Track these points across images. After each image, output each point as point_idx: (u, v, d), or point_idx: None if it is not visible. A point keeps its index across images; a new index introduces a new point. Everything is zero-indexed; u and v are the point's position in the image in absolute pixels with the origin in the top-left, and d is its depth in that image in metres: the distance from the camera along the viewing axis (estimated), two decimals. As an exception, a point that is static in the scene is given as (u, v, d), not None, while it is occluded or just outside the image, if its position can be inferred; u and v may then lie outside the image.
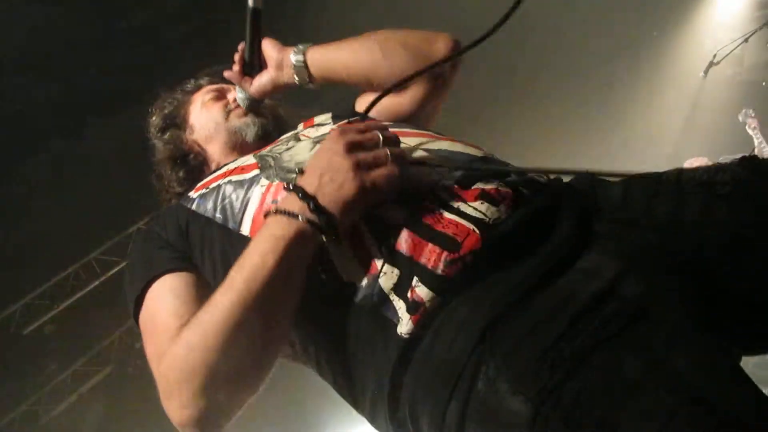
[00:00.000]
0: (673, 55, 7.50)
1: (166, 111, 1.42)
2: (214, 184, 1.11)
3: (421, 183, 0.90)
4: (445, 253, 0.80)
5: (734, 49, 5.89)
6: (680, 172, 0.86)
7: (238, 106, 1.34)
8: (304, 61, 1.21)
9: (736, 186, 0.80)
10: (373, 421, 0.89)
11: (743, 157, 0.85)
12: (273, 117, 1.37)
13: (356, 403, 0.92)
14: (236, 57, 1.27)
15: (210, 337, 0.81)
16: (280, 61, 1.23)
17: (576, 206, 0.85)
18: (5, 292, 5.45)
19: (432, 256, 0.80)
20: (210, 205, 1.06)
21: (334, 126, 1.06)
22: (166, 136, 1.38)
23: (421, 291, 0.79)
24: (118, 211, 5.96)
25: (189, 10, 4.91)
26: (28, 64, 4.41)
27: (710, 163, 5.51)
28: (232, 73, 1.28)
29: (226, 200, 1.04)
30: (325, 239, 0.84)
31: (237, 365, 0.82)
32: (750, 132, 5.22)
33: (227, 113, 1.34)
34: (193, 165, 1.34)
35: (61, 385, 5.83)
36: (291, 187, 0.87)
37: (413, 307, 0.79)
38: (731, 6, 7.08)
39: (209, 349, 0.81)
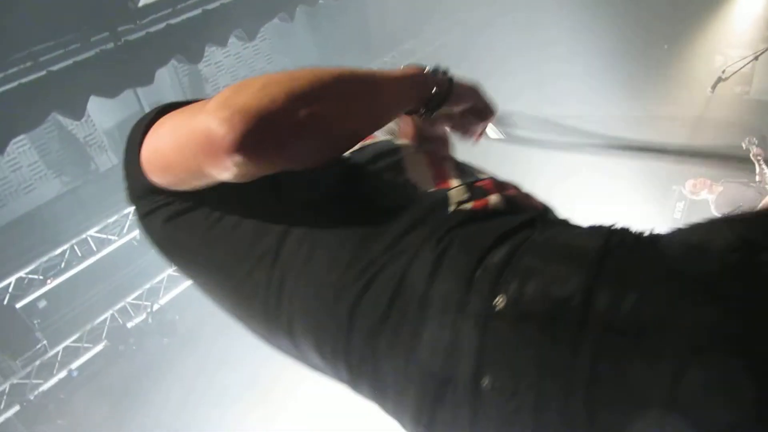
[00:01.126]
0: (682, 69, 7.48)
1: None
2: None
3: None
4: (522, 194, 0.92)
5: (743, 66, 5.87)
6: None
7: None
8: None
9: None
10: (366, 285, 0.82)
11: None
12: None
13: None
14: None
15: (302, 83, 0.77)
16: None
17: None
18: (-1, 265, 5.46)
19: (510, 190, 0.91)
20: None
21: None
22: None
23: (490, 198, 0.86)
24: (117, 190, 5.97)
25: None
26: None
27: (712, 184, 5.52)
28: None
29: None
30: (432, 100, 0.95)
31: (305, 119, 0.76)
32: (753, 159, 5.20)
33: None
34: None
35: (52, 361, 5.86)
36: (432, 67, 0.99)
37: (477, 198, 0.85)
38: (743, 23, 7.05)
39: (296, 88, 0.76)
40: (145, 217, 0.94)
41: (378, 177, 0.92)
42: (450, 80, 0.97)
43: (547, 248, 0.74)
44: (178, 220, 0.91)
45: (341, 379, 0.87)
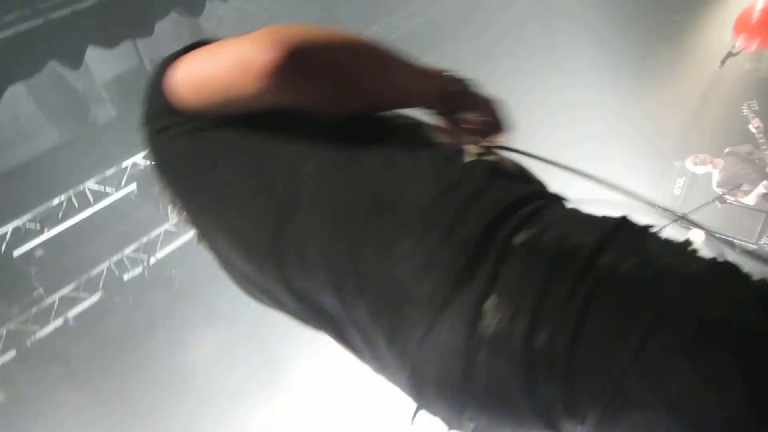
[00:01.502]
0: (692, 42, 7.32)
1: None
2: None
3: None
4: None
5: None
6: None
7: None
8: None
9: None
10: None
11: None
12: None
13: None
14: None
15: (343, 36, 0.87)
16: None
17: None
18: (-3, 212, 5.48)
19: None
20: None
21: None
22: None
23: (506, 160, 0.94)
24: (115, 143, 5.94)
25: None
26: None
27: (712, 159, 5.47)
28: None
29: None
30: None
31: (337, 60, 0.86)
32: (753, 130, 5.15)
33: None
34: None
35: (49, 309, 5.94)
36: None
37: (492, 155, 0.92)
38: (758, -3, 6.87)
39: (337, 38, 0.86)
40: (157, 135, 0.98)
41: (396, 124, 1.00)
42: (467, 85, 1.03)
43: (569, 214, 0.85)
44: (194, 136, 0.95)
45: (341, 296, 0.86)
